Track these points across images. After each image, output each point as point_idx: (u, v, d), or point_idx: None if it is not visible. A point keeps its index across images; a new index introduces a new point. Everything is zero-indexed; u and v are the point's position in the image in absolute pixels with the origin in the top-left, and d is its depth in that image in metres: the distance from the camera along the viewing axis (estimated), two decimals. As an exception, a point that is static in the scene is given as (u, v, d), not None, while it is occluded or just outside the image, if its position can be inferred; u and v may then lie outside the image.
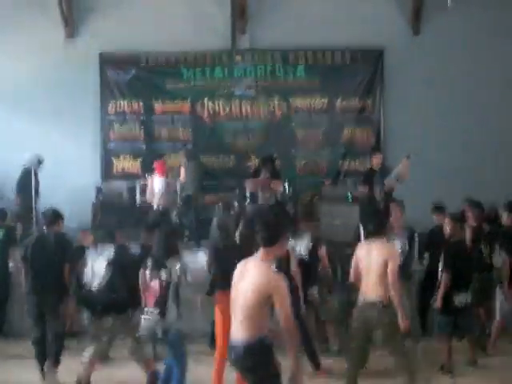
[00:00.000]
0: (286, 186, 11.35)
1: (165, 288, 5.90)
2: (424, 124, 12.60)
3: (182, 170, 11.37)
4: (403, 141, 12.15)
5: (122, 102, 13.14)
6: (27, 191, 11.09)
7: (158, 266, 6.00)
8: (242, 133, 13.14)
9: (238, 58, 13.11)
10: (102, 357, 6.92)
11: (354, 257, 6.37)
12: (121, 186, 12.14)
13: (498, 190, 10.06)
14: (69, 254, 7.34)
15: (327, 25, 12.58)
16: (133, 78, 13.13)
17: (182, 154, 11.99)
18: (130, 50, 12.93)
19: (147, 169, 12.39)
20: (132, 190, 11.82)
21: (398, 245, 7.55)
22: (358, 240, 8.84)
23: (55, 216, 7.51)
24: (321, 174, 12.94)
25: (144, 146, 13.19)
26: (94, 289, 6.60)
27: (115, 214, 10.80)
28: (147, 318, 5.94)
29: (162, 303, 5.88)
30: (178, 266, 6.00)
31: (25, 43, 12.80)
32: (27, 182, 11.14)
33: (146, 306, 6.01)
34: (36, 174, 11.28)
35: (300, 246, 7.86)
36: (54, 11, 12.74)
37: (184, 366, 6.14)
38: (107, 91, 13.11)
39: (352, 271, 6.38)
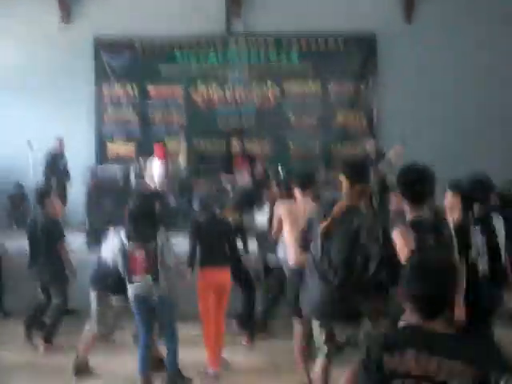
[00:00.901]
0: (280, 170, 11.43)
1: (153, 256, 5.97)
2: (416, 109, 12.70)
3: (182, 152, 11.45)
4: (396, 125, 12.29)
5: (116, 86, 13.19)
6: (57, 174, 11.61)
7: (142, 235, 6.06)
8: (235, 117, 13.21)
9: (232, 42, 13.17)
10: (106, 333, 6.96)
11: None
12: (115, 169, 12.19)
13: (492, 177, 10.19)
14: (56, 233, 7.49)
15: (321, 10, 12.64)
16: (127, 62, 13.17)
17: (181, 135, 12.06)
18: (124, 34, 12.96)
19: (141, 152, 12.51)
20: (126, 174, 11.88)
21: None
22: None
23: (41, 195, 7.70)
24: (314, 159, 13.02)
25: (138, 130, 13.26)
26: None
27: (110, 197, 10.89)
28: (139, 283, 6.02)
29: (152, 270, 5.95)
30: (161, 234, 6.09)
31: (19, 28, 12.82)
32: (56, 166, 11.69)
33: (133, 275, 6.08)
34: (63, 157, 11.83)
35: None
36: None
37: (176, 343, 6.24)
38: (101, 75, 13.14)
39: None
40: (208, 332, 6.70)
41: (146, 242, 6.00)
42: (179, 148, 12.14)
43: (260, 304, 7.81)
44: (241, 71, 13.20)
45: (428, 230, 4.20)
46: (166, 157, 11.23)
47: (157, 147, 11.30)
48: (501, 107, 12.65)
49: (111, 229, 6.41)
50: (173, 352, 6.22)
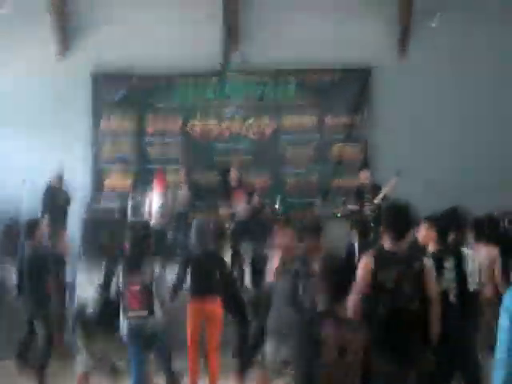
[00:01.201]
0: (277, 203, 11.41)
1: (148, 290, 5.97)
2: (411, 141, 12.75)
3: (184, 189, 11.42)
4: (391, 158, 12.29)
5: (113, 121, 13.25)
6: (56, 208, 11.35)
7: (137, 269, 6.05)
8: (232, 151, 13.23)
9: (229, 76, 13.25)
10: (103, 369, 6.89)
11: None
12: (111, 202, 12.19)
13: (487, 205, 10.18)
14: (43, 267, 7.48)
15: (316, 44, 12.75)
16: (124, 94, 13.25)
17: (182, 171, 12.06)
18: (121, 67, 13.05)
19: (138, 185, 12.53)
20: (123, 207, 11.86)
21: None
22: (353, 255, 9.10)
23: (30, 226, 7.68)
24: (311, 192, 13.02)
25: (135, 163, 13.29)
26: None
27: (106, 230, 10.85)
28: (134, 317, 5.97)
29: (148, 303, 5.96)
30: (155, 267, 6.12)
31: (17, 60, 12.90)
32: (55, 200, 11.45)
33: (129, 310, 6.03)
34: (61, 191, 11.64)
35: None
36: (47, 29, 12.92)
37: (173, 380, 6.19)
38: (99, 110, 13.23)
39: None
40: (192, 359, 6.65)
41: (142, 275, 5.99)
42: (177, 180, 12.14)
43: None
44: (238, 105, 13.26)
45: (394, 263, 4.57)
46: (166, 188, 11.15)
47: (157, 176, 11.18)
48: (499, 142, 12.67)
49: (104, 262, 6.42)
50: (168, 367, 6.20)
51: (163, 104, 13.29)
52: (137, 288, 6.00)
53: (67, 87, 12.88)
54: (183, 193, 11.53)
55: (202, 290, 6.74)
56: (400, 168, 10.18)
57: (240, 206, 10.50)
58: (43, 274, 7.41)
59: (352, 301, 4.33)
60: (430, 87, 12.95)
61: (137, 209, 11.57)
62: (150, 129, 13.34)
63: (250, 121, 13.30)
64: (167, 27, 13.01)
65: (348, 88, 13.14)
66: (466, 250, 5.75)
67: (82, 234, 11.16)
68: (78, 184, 12.63)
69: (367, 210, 10.34)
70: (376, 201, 10.27)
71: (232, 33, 13.07)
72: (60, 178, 11.78)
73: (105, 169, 13.27)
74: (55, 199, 11.59)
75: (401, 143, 12.68)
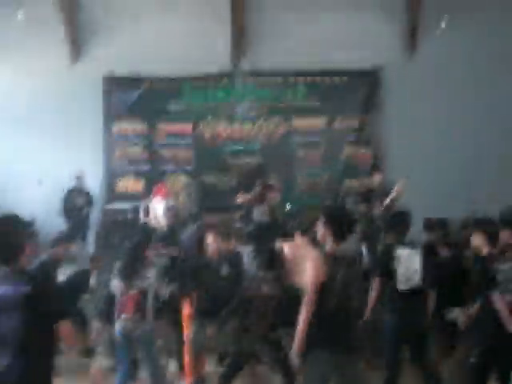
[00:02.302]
0: (288, 206, 11.48)
1: (143, 295, 6.17)
2: (422, 141, 12.78)
3: (182, 194, 11.50)
4: (402, 159, 12.33)
5: (125, 124, 13.37)
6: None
7: (133, 274, 6.21)
8: (243, 153, 13.33)
9: (239, 79, 13.34)
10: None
11: None
12: (124, 206, 12.31)
13: (498, 206, 10.19)
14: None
15: (326, 45, 12.78)
16: (136, 100, 13.36)
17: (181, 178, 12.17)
18: (132, 72, 13.17)
19: (150, 189, 12.62)
20: (136, 211, 11.95)
21: None
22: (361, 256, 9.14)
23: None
24: (321, 194, 13.08)
25: (147, 167, 13.39)
26: None
27: (118, 235, 10.97)
28: (128, 320, 6.12)
29: (141, 309, 6.14)
30: (152, 273, 6.34)
31: (30, 65, 13.04)
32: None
33: (122, 314, 6.20)
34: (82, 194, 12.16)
35: None
36: (59, 34, 13.04)
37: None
38: (111, 113, 13.35)
39: None
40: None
41: (137, 281, 6.14)
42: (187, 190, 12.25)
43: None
44: (248, 108, 13.34)
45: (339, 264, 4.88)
46: (168, 195, 11.18)
47: (157, 189, 11.22)
48: (506, 141, 12.67)
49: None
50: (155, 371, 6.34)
51: (174, 107, 13.39)
52: (133, 292, 6.13)
53: (80, 91, 12.98)
54: (193, 195, 11.60)
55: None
56: (410, 169, 10.21)
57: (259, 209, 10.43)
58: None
59: (308, 301, 4.80)
60: (440, 88, 12.94)
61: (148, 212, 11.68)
62: (161, 131, 13.43)
63: (261, 122, 13.35)
64: (177, 31, 13.13)
65: (358, 89, 13.21)
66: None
67: (96, 240, 11.25)
68: (91, 187, 12.78)
69: (376, 211, 10.35)
70: (385, 203, 10.27)
71: (241, 35, 13.14)
72: (81, 180, 12.00)
73: (117, 172, 13.38)
74: (76, 201, 11.84)
75: (411, 144, 12.71)
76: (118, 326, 6.23)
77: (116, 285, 6.27)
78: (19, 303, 3.63)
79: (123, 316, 6.15)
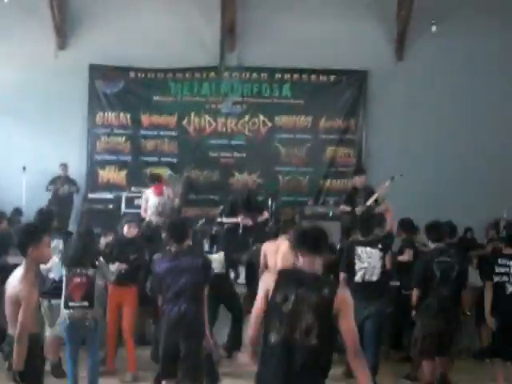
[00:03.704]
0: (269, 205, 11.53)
1: (91, 283, 6.21)
2: (405, 146, 12.93)
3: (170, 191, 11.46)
4: (384, 162, 12.45)
5: (109, 114, 13.31)
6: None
7: (82, 263, 6.28)
8: (226, 148, 13.37)
9: (226, 74, 13.36)
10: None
11: None
12: (106, 195, 12.32)
13: (478, 214, 10.42)
14: None
15: (314, 46, 12.86)
16: (121, 90, 13.32)
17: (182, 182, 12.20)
18: (119, 62, 13.12)
19: (132, 181, 12.66)
20: (117, 201, 11.97)
21: None
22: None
23: None
24: (303, 192, 13.20)
25: (130, 158, 13.36)
26: None
27: (100, 224, 10.97)
28: (76, 307, 6.19)
29: (89, 296, 6.18)
30: (101, 262, 6.46)
31: (16, 53, 12.89)
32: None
33: (69, 301, 6.23)
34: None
35: None
36: (46, 22, 12.93)
37: (98, 374, 6.40)
38: (96, 103, 13.28)
39: None
40: None
41: (85, 268, 6.22)
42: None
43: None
44: (233, 103, 13.36)
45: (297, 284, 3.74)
46: (163, 194, 11.10)
47: (154, 187, 11.11)
48: (496, 146, 12.91)
49: None
50: (97, 364, 6.42)
51: (159, 99, 13.36)
52: (80, 280, 6.21)
53: (65, 81, 12.88)
54: (177, 189, 11.61)
55: None
56: (394, 173, 10.30)
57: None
58: None
59: (252, 324, 3.89)
60: (426, 91, 13.11)
61: (131, 201, 11.72)
62: (145, 122, 13.39)
63: (246, 118, 13.40)
64: (165, 23, 13.10)
65: (344, 90, 13.33)
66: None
67: (78, 224, 11.22)
68: (74, 175, 12.73)
69: (358, 211, 10.44)
70: (368, 203, 10.38)
71: (230, 31, 13.15)
72: (65, 168, 12.01)
73: (99, 163, 13.31)
74: (61, 189, 11.86)
75: (395, 147, 12.88)
76: (64, 317, 6.26)
77: (63, 272, 6.32)
78: (196, 268, 5.53)
79: (70, 304, 6.21)
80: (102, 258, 6.64)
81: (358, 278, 6.95)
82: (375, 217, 8.07)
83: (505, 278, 6.82)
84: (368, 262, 7.00)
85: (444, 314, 6.65)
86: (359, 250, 7.04)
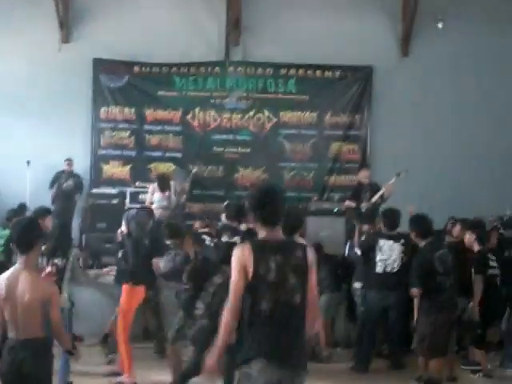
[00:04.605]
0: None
1: (59, 271, 6.39)
2: (410, 142, 12.90)
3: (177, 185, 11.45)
4: (389, 158, 12.44)
5: (113, 109, 13.24)
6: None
7: (52, 252, 6.47)
8: (231, 144, 13.32)
9: (231, 69, 13.30)
10: None
11: None
12: (110, 191, 12.28)
13: (484, 209, 10.37)
14: None
15: (319, 41, 12.83)
16: (126, 84, 13.23)
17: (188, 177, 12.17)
18: (123, 56, 13.06)
19: (136, 176, 12.63)
20: (122, 196, 11.93)
21: None
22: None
23: None
24: (307, 188, 13.15)
25: (134, 153, 13.29)
26: None
27: (105, 219, 10.99)
28: None
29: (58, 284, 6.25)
30: (72, 253, 6.74)
31: (19, 46, 12.78)
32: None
33: None
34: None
35: None
36: (50, 15, 12.84)
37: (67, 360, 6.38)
38: (100, 97, 13.18)
39: None
40: None
41: (55, 257, 6.31)
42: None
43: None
44: (238, 98, 13.31)
45: (273, 253, 3.89)
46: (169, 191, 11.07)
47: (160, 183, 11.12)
48: (498, 142, 12.89)
49: None
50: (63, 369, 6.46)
51: (164, 93, 13.30)
52: (50, 269, 6.27)
53: (69, 75, 12.77)
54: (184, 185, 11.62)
55: None
56: (401, 170, 10.30)
57: None
58: None
59: (230, 302, 3.86)
60: (431, 87, 13.08)
61: (135, 196, 11.70)
62: (149, 117, 13.33)
63: (251, 114, 13.35)
64: (170, 17, 13.06)
65: (349, 86, 13.28)
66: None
67: (81, 223, 11.21)
68: (78, 170, 12.69)
69: (363, 207, 10.44)
70: (373, 200, 10.38)
71: (235, 26, 13.09)
72: (70, 163, 11.96)
73: (104, 157, 13.24)
74: (65, 184, 11.90)
75: (400, 143, 12.83)
76: None
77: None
78: None
79: None
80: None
81: (379, 268, 7.80)
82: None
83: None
84: (388, 254, 7.79)
85: (448, 308, 6.73)
86: (381, 242, 7.84)
